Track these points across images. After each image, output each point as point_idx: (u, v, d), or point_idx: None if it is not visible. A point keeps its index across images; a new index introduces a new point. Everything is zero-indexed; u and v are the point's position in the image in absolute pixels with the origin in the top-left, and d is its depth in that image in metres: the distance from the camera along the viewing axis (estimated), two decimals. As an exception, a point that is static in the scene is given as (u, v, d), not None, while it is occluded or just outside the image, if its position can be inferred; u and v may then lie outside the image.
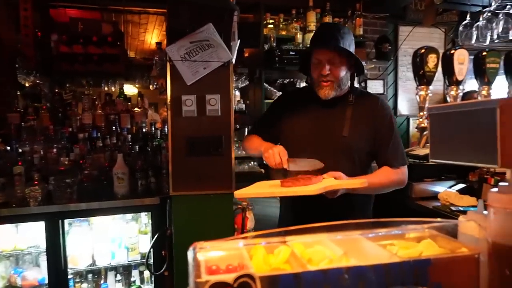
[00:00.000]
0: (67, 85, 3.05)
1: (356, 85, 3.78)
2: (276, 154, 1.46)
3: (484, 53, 2.49)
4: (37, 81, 3.03)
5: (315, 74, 1.58)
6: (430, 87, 2.52)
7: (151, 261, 2.44)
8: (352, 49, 1.57)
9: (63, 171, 2.36)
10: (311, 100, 1.64)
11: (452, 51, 2.42)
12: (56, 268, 2.25)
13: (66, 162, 2.42)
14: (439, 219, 0.83)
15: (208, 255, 0.71)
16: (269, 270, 0.64)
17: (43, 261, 2.31)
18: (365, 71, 1.61)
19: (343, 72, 1.56)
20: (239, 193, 1.35)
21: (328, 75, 1.53)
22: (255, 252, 0.69)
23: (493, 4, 2.18)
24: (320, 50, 1.55)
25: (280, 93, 3.31)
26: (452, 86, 2.45)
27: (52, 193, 2.30)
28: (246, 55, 3.51)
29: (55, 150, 2.50)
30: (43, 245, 2.27)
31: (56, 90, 2.96)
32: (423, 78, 2.48)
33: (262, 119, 1.92)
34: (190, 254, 0.60)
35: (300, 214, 1.62)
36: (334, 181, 1.36)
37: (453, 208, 2.09)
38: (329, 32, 1.58)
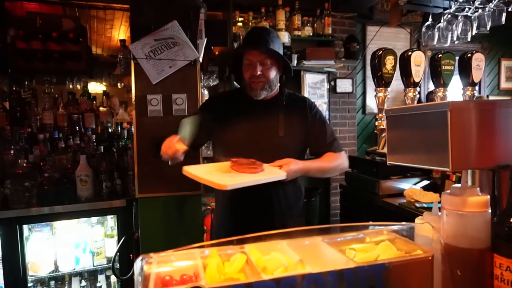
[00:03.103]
0: (26, 82, 2.89)
1: (325, 85, 3.76)
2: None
3: (440, 55, 2.52)
4: (-7, 79, 2.87)
5: (246, 75, 1.62)
6: (395, 85, 2.54)
7: (117, 265, 2.37)
8: (281, 51, 1.63)
9: (21, 174, 2.24)
10: (244, 102, 1.69)
11: (409, 53, 2.43)
12: (14, 276, 2.14)
13: (25, 164, 2.30)
14: (403, 223, 0.83)
15: (162, 265, 0.68)
16: (222, 280, 0.61)
17: (0, 269, 2.19)
18: (292, 73, 1.70)
19: (274, 74, 1.62)
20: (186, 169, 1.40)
21: (259, 75, 1.58)
22: (210, 261, 0.67)
23: (452, 6, 2.24)
24: (252, 51, 1.60)
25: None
26: (410, 88, 2.48)
27: (8, 197, 2.19)
28: (216, 53, 3.45)
29: (12, 151, 2.37)
30: (-1, 252, 2.15)
31: (14, 88, 2.80)
32: (381, 80, 2.49)
33: None
34: (137, 266, 0.57)
35: (234, 212, 1.66)
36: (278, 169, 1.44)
37: (417, 204, 2.14)
38: (260, 35, 1.64)
